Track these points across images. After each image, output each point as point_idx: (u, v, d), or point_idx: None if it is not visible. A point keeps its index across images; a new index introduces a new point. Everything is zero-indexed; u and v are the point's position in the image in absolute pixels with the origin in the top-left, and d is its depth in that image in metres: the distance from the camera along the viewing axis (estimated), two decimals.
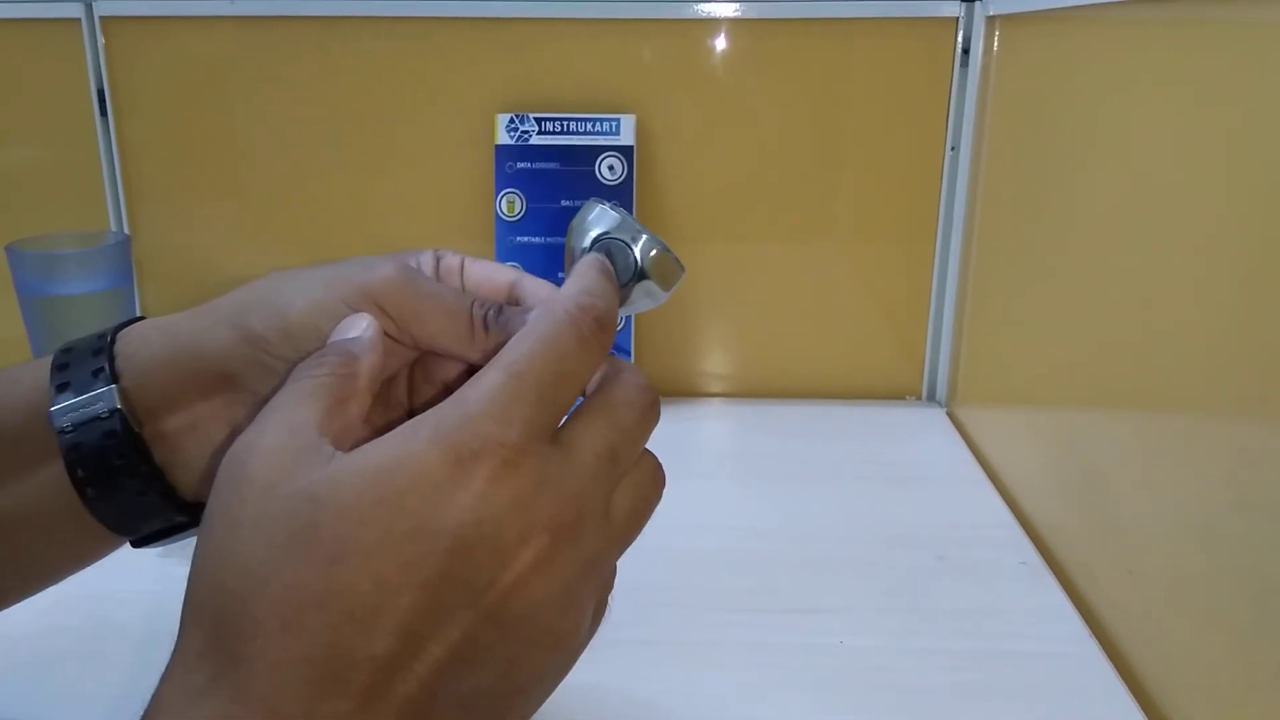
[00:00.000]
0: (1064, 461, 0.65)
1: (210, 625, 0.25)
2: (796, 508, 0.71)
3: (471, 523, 0.25)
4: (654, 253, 0.34)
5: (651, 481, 0.30)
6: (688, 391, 0.93)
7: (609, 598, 0.30)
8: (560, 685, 0.29)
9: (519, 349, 0.28)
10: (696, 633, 0.56)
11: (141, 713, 0.25)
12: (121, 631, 0.55)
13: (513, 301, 0.35)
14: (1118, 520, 0.57)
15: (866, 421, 0.87)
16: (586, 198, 0.37)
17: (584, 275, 0.31)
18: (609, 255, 0.34)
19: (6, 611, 0.56)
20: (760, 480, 0.76)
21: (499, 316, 0.33)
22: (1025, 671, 0.53)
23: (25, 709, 0.50)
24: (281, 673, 0.24)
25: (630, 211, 0.76)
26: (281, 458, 0.26)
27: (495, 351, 0.32)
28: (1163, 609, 0.51)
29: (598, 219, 0.34)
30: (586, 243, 0.34)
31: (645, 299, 0.35)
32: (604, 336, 0.29)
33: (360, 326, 0.31)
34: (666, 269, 0.34)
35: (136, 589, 0.59)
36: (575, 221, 0.35)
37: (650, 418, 0.30)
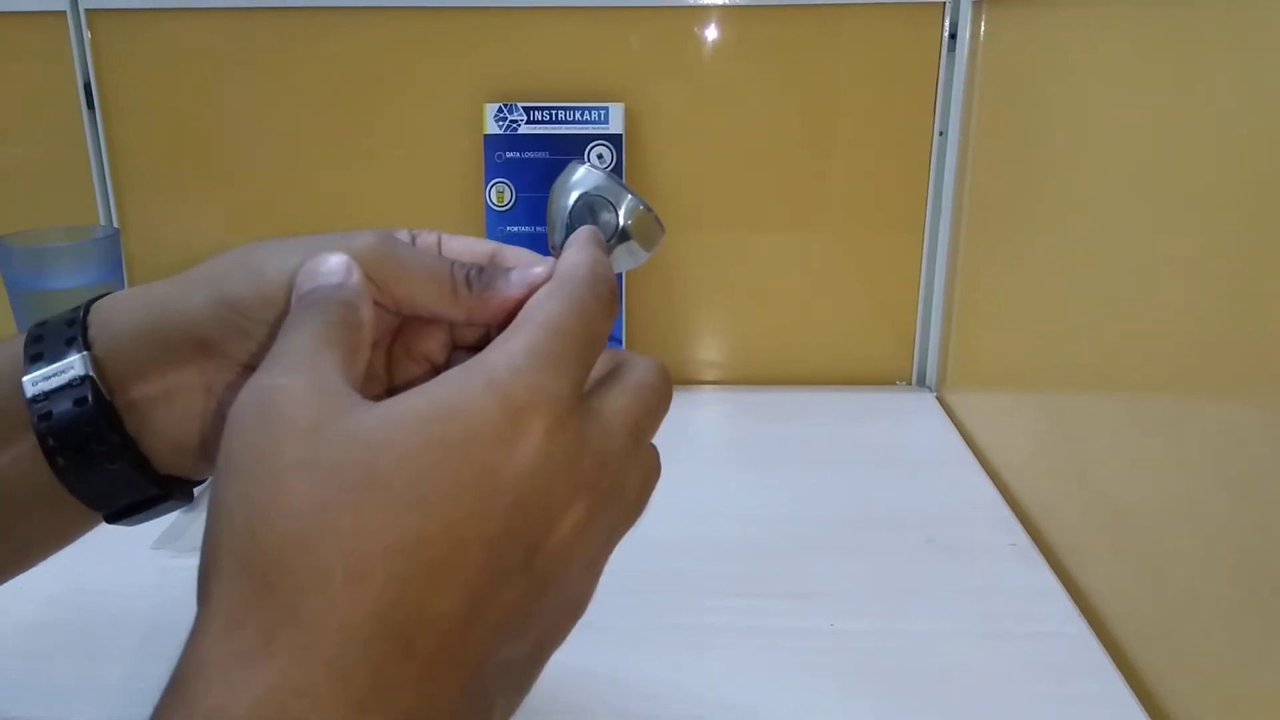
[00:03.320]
0: (1053, 444, 0.66)
1: (259, 574, 0.23)
2: (787, 493, 0.71)
3: (529, 475, 0.24)
4: (638, 211, 0.34)
5: (655, 466, 0.30)
6: (679, 379, 0.94)
7: None
8: (553, 669, 0.29)
9: (550, 308, 0.27)
10: (687, 617, 0.56)
11: (170, 677, 0.23)
12: (120, 625, 0.55)
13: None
14: (1106, 502, 0.57)
15: (856, 406, 0.88)
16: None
17: (585, 246, 0.31)
18: (592, 213, 0.34)
19: (3, 607, 0.56)
20: (752, 466, 0.77)
21: (481, 275, 0.33)
22: (1015, 652, 0.53)
23: (24, 705, 0.50)
24: (349, 631, 0.22)
25: None
26: (317, 399, 0.25)
27: (481, 309, 0.32)
28: (1151, 589, 0.52)
29: (582, 179, 0.34)
30: (569, 201, 0.34)
31: (627, 258, 0.35)
32: (615, 303, 0.30)
33: (340, 269, 0.30)
34: (648, 229, 0.34)
35: (134, 582, 0.59)
36: (559, 181, 0.35)
37: (667, 403, 0.30)
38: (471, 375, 0.25)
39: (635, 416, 0.28)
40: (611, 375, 0.29)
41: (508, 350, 0.26)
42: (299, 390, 0.25)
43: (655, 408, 0.29)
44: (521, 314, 0.27)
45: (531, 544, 0.24)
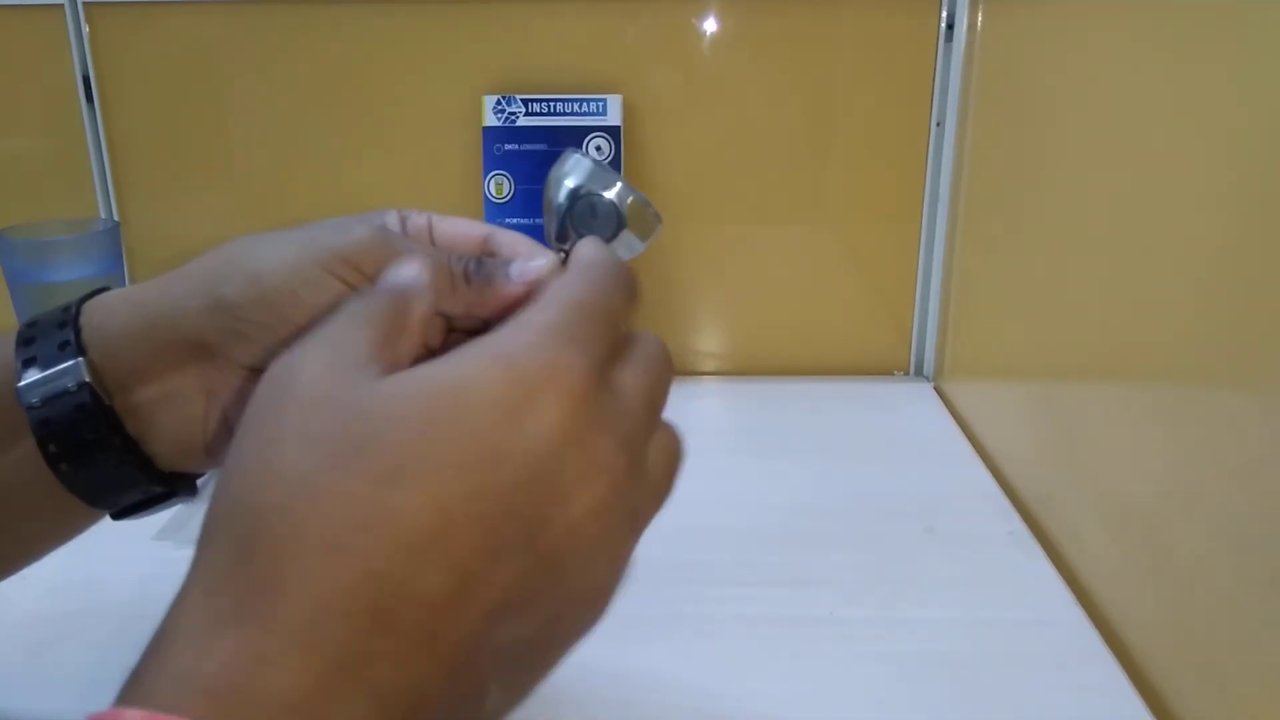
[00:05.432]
0: (1050, 432, 0.66)
1: (241, 541, 0.23)
2: (787, 482, 0.72)
3: (538, 454, 0.23)
4: (631, 202, 0.35)
5: (677, 444, 0.29)
6: (678, 370, 0.93)
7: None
8: None
9: (571, 285, 0.27)
10: (687, 606, 0.57)
11: (149, 640, 0.23)
12: (122, 617, 0.55)
13: (487, 255, 0.34)
14: (1104, 490, 0.57)
15: (855, 396, 0.88)
16: None
17: (601, 244, 0.32)
18: (591, 210, 0.34)
19: (4, 598, 0.57)
20: (751, 456, 0.77)
21: (479, 269, 0.32)
22: (1013, 640, 0.53)
23: (25, 696, 0.50)
24: (321, 602, 0.21)
25: None
26: (331, 373, 0.24)
27: (479, 304, 0.32)
28: (1149, 577, 0.52)
29: (573, 168, 0.35)
30: (563, 192, 0.35)
31: (624, 250, 0.35)
32: (637, 290, 0.29)
33: (413, 271, 0.30)
34: (644, 219, 0.35)
35: (136, 573, 0.59)
36: (553, 172, 0.35)
37: (671, 376, 0.29)
38: (484, 351, 0.25)
39: (650, 392, 0.27)
40: (618, 352, 0.28)
41: (524, 325, 0.25)
42: (316, 362, 0.25)
43: (666, 382, 0.29)
44: (544, 295, 0.27)
45: (536, 522, 0.23)
